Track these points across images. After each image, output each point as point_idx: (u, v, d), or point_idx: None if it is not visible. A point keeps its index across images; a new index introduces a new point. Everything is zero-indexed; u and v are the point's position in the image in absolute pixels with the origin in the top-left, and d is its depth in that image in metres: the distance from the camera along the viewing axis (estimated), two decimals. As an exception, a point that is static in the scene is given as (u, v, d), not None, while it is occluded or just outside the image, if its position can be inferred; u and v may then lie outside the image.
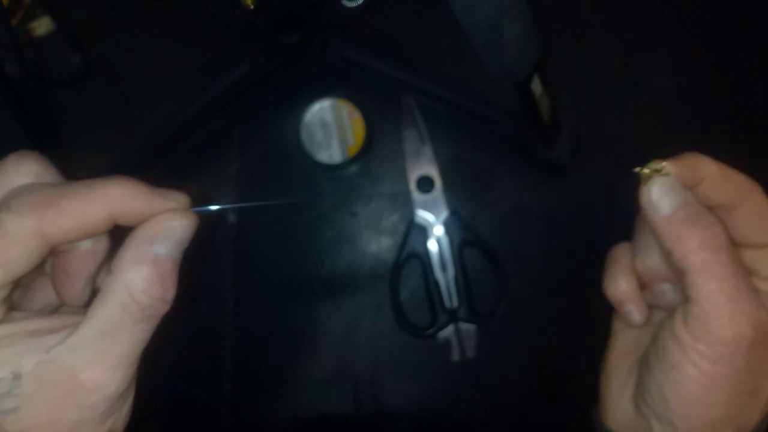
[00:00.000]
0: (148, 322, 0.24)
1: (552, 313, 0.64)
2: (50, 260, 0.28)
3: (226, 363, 0.64)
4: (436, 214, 0.64)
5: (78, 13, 0.67)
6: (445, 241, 0.63)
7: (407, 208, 0.65)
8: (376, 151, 0.66)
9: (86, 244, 0.26)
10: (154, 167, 0.65)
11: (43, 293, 0.28)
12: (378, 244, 0.65)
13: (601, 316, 0.64)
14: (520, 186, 0.65)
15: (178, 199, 0.25)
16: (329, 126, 0.65)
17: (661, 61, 0.66)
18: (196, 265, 0.67)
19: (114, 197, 0.24)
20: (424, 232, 0.64)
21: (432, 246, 0.63)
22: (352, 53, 0.64)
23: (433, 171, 0.64)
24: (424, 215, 0.64)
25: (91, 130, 0.65)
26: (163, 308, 0.24)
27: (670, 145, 0.69)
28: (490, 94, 0.61)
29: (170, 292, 0.24)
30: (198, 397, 0.65)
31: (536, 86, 0.48)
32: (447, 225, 0.64)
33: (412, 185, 0.64)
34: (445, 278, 0.63)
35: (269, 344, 0.65)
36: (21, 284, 0.27)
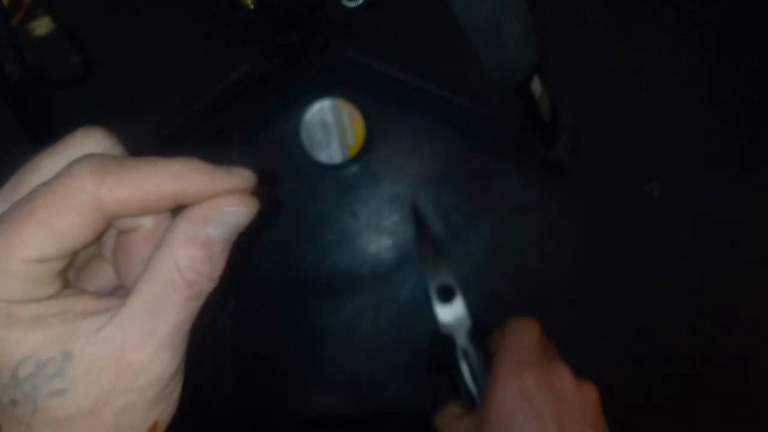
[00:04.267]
0: (195, 300, 0.23)
1: (552, 313, 0.63)
2: (108, 243, 0.27)
3: (226, 363, 0.64)
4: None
5: (78, 13, 0.67)
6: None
7: (407, 207, 0.65)
8: (376, 151, 0.66)
9: (147, 224, 0.25)
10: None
11: (98, 278, 0.27)
12: (378, 244, 0.65)
13: (600, 315, 0.64)
14: (520, 186, 0.65)
15: (243, 176, 0.24)
16: (329, 126, 0.65)
17: (661, 61, 0.66)
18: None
19: (175, 172, 0.23)
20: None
21: None
22: (352, 53, 0.64)
23: (450, 280, 0.61)
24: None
25: (91, 130, 0.65)
26: (210, 286, 0.24)
27: (669, 144, 0.69)
28: (490, 94, 0.61)
29: (218, 271, 0.24)
30: (198, 397, 0.64)
31: (536, 86, 0.48)
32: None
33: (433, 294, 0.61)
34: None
35: (269, 344, 0.65)
36: (76, 265, 0.27)
